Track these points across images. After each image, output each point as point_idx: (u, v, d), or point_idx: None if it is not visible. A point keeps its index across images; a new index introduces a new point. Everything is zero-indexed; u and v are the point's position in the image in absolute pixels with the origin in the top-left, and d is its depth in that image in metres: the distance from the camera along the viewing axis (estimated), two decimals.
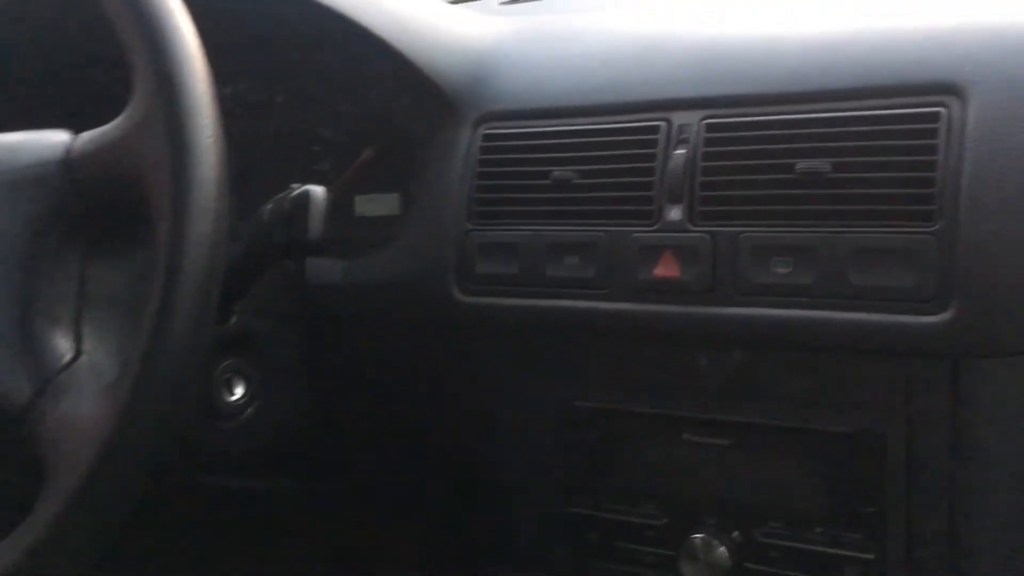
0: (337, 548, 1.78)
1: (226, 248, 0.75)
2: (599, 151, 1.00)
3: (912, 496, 0.89)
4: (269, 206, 0.95)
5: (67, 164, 0.80)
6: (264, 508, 1.53)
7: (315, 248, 0.93)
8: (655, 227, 0.95)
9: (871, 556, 0.92)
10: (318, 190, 0.92)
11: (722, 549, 0.97)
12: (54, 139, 0.82)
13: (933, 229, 0.84)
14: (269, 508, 1.54)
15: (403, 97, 1.19)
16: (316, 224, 0.91)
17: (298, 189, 0.93)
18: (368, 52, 1.12)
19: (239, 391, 1.09)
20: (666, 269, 0.95)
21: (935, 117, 0.86)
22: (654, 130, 0.97)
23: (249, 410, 1.10)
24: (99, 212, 0.81)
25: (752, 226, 0.91)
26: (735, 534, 0.97)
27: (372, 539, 1.82)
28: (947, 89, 0.86)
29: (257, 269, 1.00)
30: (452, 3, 1.36)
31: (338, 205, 1.31)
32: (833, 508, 0.93)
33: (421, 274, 1.08)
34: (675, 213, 0.95)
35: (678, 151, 0.95)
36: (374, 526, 1.74)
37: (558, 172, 1.01)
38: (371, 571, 1.86)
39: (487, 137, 1.07)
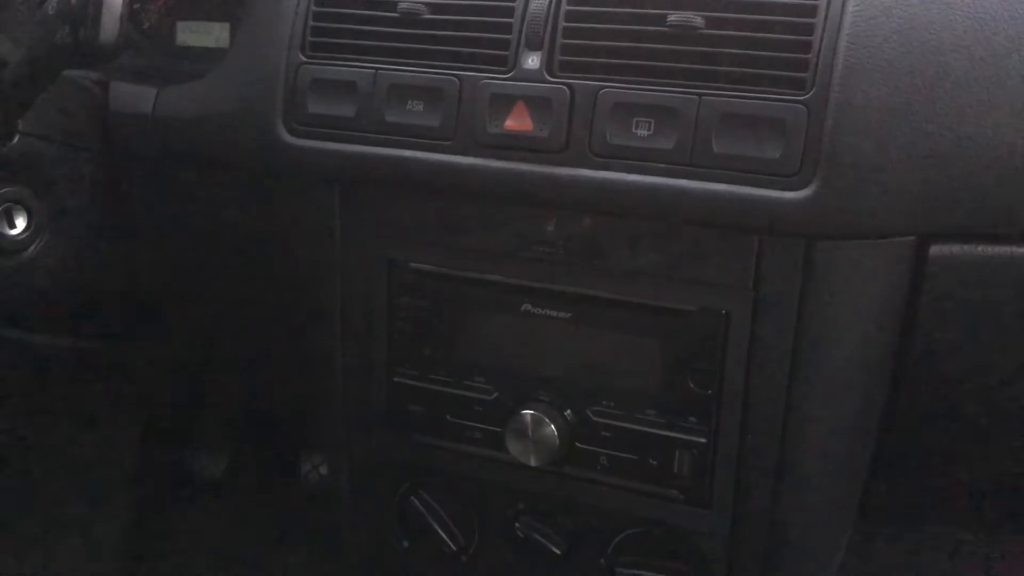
0: (145, 420, 1.66)
1: None
2: None
3: (751, 379, 0.86)
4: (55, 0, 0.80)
5: None
6: (69, 369, 1.39)
7: (108, 53, 0.78)
8: (509, 75, 0.86)
9: (703, 440, 0.88)
10: None
11: (552, 427, 0.91)
12: None
13: (805, 98, 0.78)
14: (74, 369, 1.40)
15: None
16: (110, 24, 0.77)
17: None
18: None
19: (20, 224, 0.94)
20: (518, 122, 0.86)
21: None
22: None
23: (32, 247, 0.95)
24: None
25: (614, 82, 0.83)
26: (567, 412, 0.92)
27: (182, 414, 1.70)
28: None
29: (41, 76, 0.85)
30: None
31: (157, 32, 1.16)
32: (669, 389, 0.88)
33: (244, 109, 0.95)
34: (532, 61, 0.86)
35: None
36: (184, 398, 1.62)
37: (406, 4, 0.90)
38: (179, 450, 1.76)
39: None
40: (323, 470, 1.73)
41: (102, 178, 1.01)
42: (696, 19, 0.81)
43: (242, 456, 1.82)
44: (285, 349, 1.13)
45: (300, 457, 1.73)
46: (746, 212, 0.80)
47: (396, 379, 0.99)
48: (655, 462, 0.90)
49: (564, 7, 0.85)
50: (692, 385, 0.87)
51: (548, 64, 0.85)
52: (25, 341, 1.23)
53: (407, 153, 0.89)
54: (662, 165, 0.82)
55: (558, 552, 0.98)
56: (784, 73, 0.79)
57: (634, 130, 0.83)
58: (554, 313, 0.91)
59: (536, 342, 0.92)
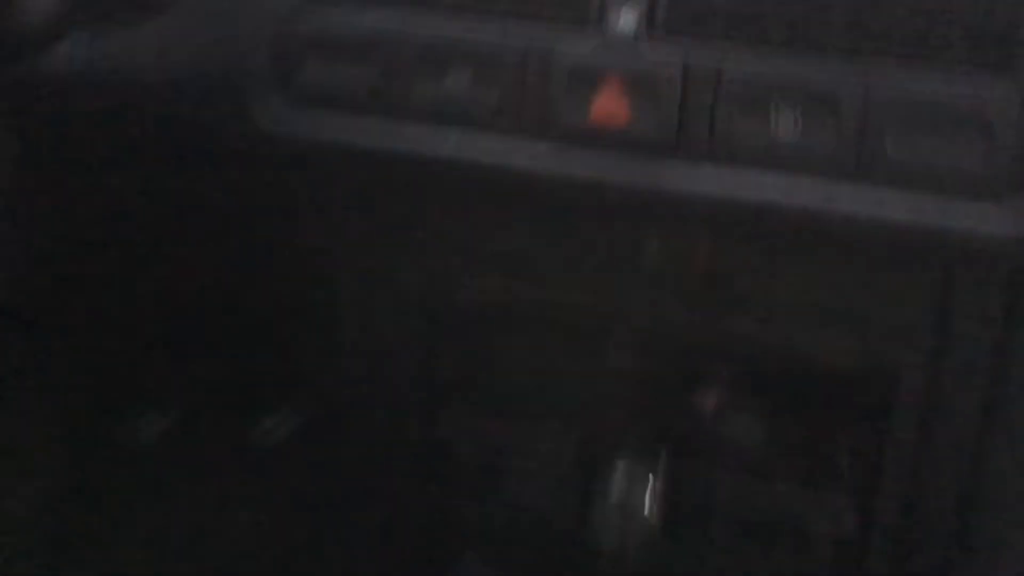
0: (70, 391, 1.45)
1: None
2: None
3: (923, 454, 0.68)
4: None
5: None
6: None
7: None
8: (594, 39, 0.62)
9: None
10: None
11: None
12: None
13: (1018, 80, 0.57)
14: None
15: None
16: None
17: None
18: None
19: None
20: (607, 108, 0.62)
21: None
22: None
23: None
24: None
25: (743, 51, 0.61)
26: None
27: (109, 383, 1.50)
28: None
29: None
30: None
31: None
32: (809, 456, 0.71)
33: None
34: (626, 17, 0.61)
35: None
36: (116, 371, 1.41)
37: None
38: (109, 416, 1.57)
39: None
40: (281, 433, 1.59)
41: None
42: None
43: (183, 420, 1.65)
44: None
45: (250, 421, 1.57)
46: (932, 236, 0.60)
47: None
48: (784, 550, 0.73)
49: None
50: (842, 457, 0.69)
51: (649, 20, 0.61)
52: None
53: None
54: (815, 175, 0.60)
55: None
56: (985, 45, 0.58)
57: (774, 124, 0.60)
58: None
59: None
